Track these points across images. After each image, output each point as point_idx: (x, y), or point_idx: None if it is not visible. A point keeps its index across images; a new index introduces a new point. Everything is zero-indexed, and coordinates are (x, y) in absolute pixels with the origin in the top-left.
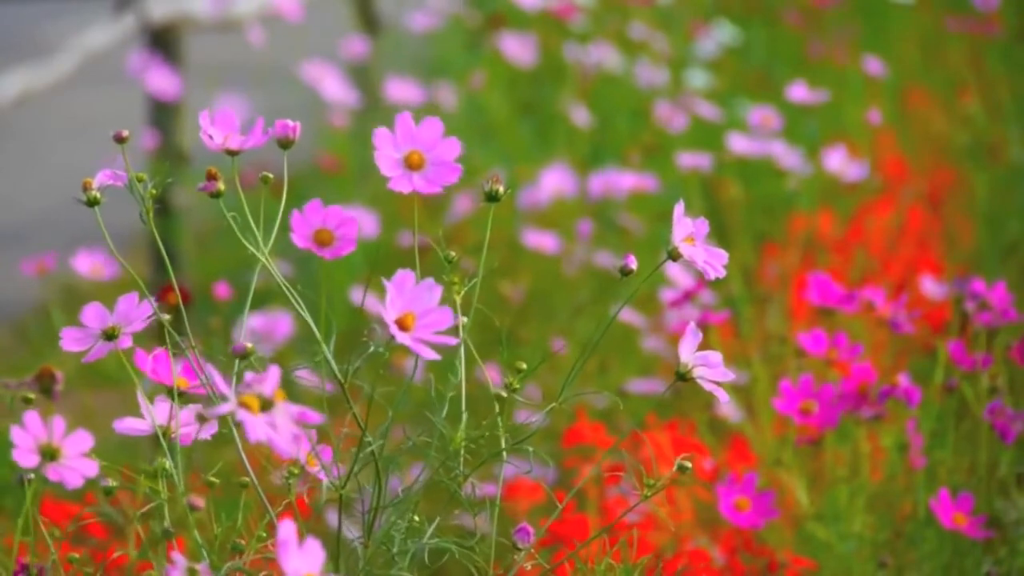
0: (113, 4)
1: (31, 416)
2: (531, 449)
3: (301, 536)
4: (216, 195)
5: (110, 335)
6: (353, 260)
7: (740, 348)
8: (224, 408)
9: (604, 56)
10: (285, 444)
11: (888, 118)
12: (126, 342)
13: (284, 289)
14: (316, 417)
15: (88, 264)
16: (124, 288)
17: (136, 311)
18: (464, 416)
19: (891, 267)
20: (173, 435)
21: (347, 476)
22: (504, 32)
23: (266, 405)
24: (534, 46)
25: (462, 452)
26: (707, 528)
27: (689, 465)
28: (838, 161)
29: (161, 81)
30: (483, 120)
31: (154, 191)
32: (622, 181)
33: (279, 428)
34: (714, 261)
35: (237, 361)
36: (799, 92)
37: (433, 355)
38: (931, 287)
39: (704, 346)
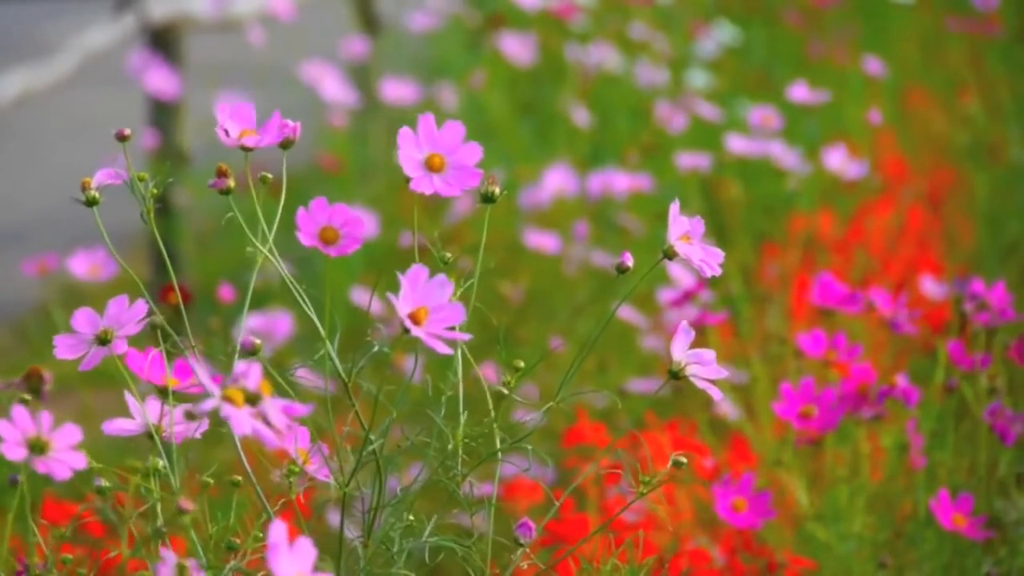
0: (113, 4)
1: (18, 410)
2: (529, 448)
3: (296, 535)
4: (226, 192)
5: (103, 340)
6: (352, 260)
7: (740, 348)
8: (209, 404)
9: (604, 56)
10: (271, 436)
11: (888, 118)
12: (120, 346)
13: (290, 286)
14: (302, 409)
15: (85, 265)
16: (124, 288)
17: (128, 313)
18: (463, 415)
19: (891, 267)
20: (165, 434)
21: (351, 474)
22: (504, 32)
23: (252, 399)
24: (534, 46)
25: (460, 451)
26: (707, 528)
27: (684, 461)
28: (838, 160)
29: (160, 81)
30: (483, 120)
31: (155, 191)
32: (622, 181)
33: (270, 421)
34: (710, 259)
35: (235, 360)
36: (799, 92)
37: (447, 350)
38: (931, 287)
39: (704, 346)
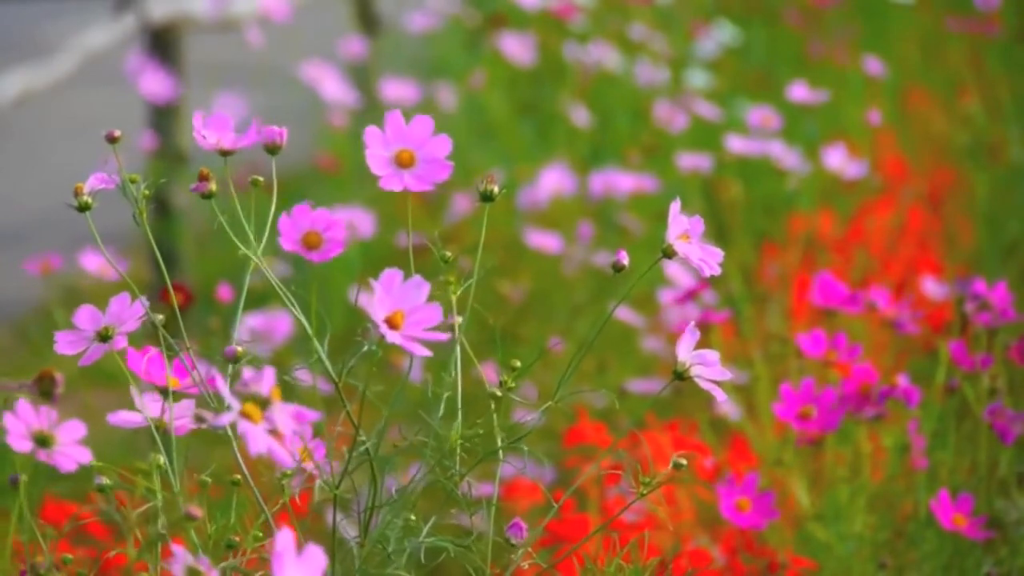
0: (113, 4)
1: (23, 404)
2: (526, 448)
3: (300, 541)
4: (208, 196)
5: (104, 336)
6: (352, 260)
7: (741, 348)
8: (226, 419)
9: (604, 56)
10: (285, 456)
11: (888, 118)
12: (121, 343)
13: (278, 289)
14: (312, 415)
15: (96, 263)
16: (126, 289)
17: (128, 311)
18: (460, 415)
19: (891, 267)
20: (167, 429)
21: (341, 475)
22: (504, 32)
23: (263, 404)
24: (534, 46)
25: (458, 451)
26: (708, 528)
27: (684, 463)
28: (838, 160)
29: (154, 84)
30: (483, 120)
31: (147, 192)
32: (622, 181)
33: (280, 427)
34: (709, 258)
35: (222, 365)
36: (799, 92)
37: (425, 352)
38: (932, 287)
39: (705, 345)
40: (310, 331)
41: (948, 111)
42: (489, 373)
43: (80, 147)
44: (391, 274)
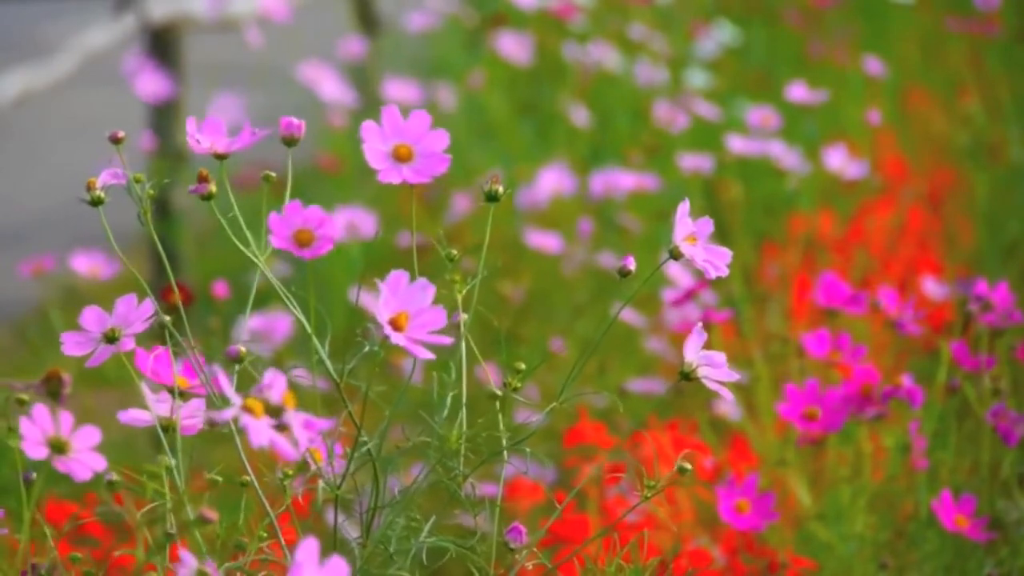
0: (113, 4)
1: (39, 409)
2: (528, 450)
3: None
4: (207, 197)
5: (111, 338)
6: (353, 260)
7: (741, 347)
8: (229, 413)
9: (604, 56)
10: (288, 448)
11: (888, 118)
12: (128, 344)
13: (279, 291)
14: (324, 423)
15: (87, 264)
16: (125, 288)
17: (135, 312)
18: (463, 415)
19: (891, 267)
20: (176, 429)
21: (343, 476)
22: (503, 32)
23: (275, 412)
24: (533, 46)
25: (462, 452)
26: (708, 528)
27: (689, 467)
28: (838, 160)
29: (152, 85)
30: (483, 120)
31: (152, 192)
32: (622, 181)
33: (293, 436)
34: (715, 260)
35: (225, 365)
36: (798, 92)
37: (428, 355)
38: (932, 287)
39: (706, 345)
40: (311, 331)
41: (948, 111)
42: (492, 373)
43: (80, 147)
44: (397, 275)
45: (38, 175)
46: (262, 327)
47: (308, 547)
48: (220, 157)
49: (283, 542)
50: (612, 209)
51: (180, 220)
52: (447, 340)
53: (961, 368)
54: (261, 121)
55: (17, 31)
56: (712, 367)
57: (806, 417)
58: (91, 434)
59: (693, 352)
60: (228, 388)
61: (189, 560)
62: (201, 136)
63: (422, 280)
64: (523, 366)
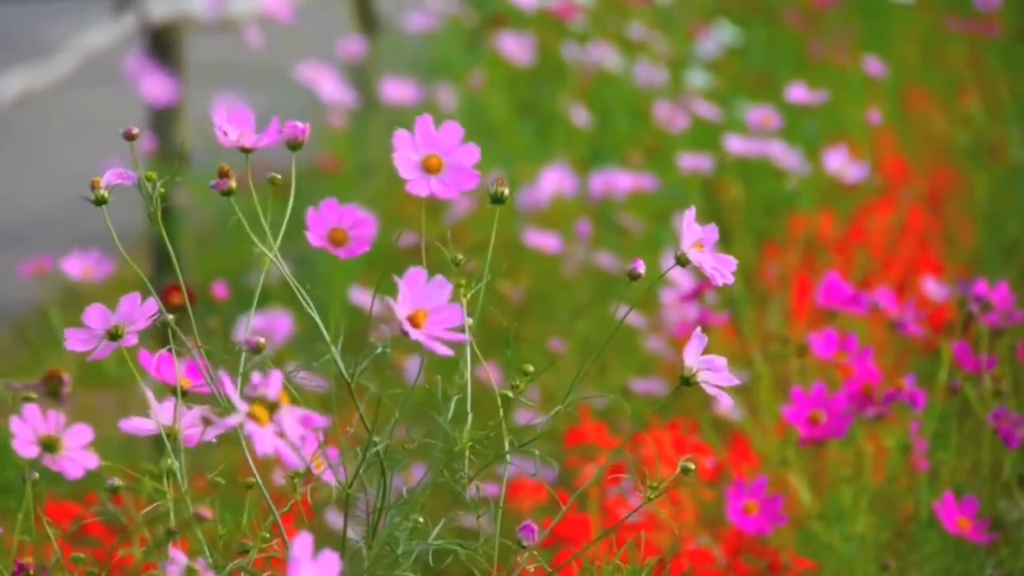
0: (113, 4)
1: (30, 408)
2: (536, 452)
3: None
4: (228, 192)
5: (114, 335)
6: (351, 261)
7: (741, 348)
8: (233, 420)
9: (604, 56)
10: (292, 456)
11: (888, 118)
12: (131, 341)
13: (293, 288)
14: (320, 420)
15: (79, 266)
16: (123, 288)
17: (139, 310)
18: (470, 417)
19: (891, 267)
20: (179, 436)
21: (353, 476)
22: (503, 32)
23: (271, 408)
24: (533, 46)
25: (467, 453)
26: (709, 528)
27: (692, 467)
28: (838, 161)
29: (155, 87)
30: (482, 120)
31: (163, 190)
32: (622, 181)
33: (286, 432)
34: (722, 267)
35: (243, 359)
36: (798, 93)
37: (447, 351)
38: (932, 288)
39: (706, 346)
40: (325, 332)
41: (948, 111)
42: (494, 374)
43: (80, 147)
44: (415, 272)
45: (38, 175)
46: (262, 327)
47: (304, 542)
48: (247, 151)
49: (288, 541)
50: (612, 209)
51: (180, 220)
52: (464, 337)
53: (962, 369)
54: (261, 122)
55: (17, 31)
56: (712, 371)
57: (811, 422)
58: (83, 432)
59: (693, 356)
60: (233, 393)
61: (179, 558)
62: (229, 127)
63: (439, 278)
64: (532, 368)
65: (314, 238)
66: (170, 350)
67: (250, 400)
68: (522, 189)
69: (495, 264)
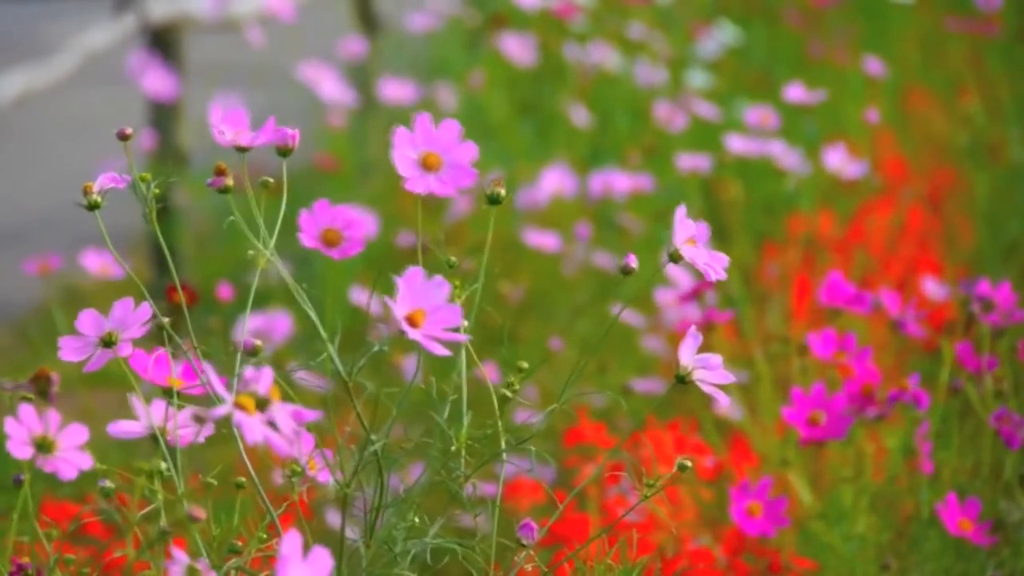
0: (113, 4)
1: (25, 409)
2: (533, 449)
3: (305, 544)
4: (225, 190)
5: (107, 342)
6: (351, 260)
7: (741, 347)
8: (221, 411)
9: (604, 56)
10: (283, 444)
11: (888, 118)
12: (125, 348)
13: (292, 288)
14: (311, 414)
15: (97, 263)
16: (126, 289)
17: (132, 315)
18: (466, 416)
19: (891, 267)
20: (170, 436)
21: (351, 475)
22: (503, 32)
23: (262, 404)
24: (534, 46)
25: (463, 452)
26: (709, 528)
27: (689, 464)
28: (838, 160)
29: (158, 82)
30: (483, 120)
31: (157, 191)
32: (621, 181)
33: (278, 427)
34: (715, 263)
35: (239, 360)
36: (796, 92)
37: (444, 351)
38: (932, 287)
39: (706, 345)
40: (323, 332)
41: (948, 111)
42: (490, 373)
43: (80, 147)
44: (414, 272)
45: (38, 175)
46: (262, 327)
47: (292, 540)
48: (242, 150)
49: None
50: (611, 209)
51: (180, 220)
52: (463, 337)
53: (964, 369)
54: (261, 121)
55: (17, 31)
56: (708, 370)
57: (811, 423)
58: (78, 433)
59: (688, 355)
60: (219, 386)
61: (181, 557)
62: (224, 127)
63: (438, 277)
64: (525, 365)
65: (307, 239)
66: (165, 351)
67: (238, 393)
68: (522, 189)
69: (493, 264)
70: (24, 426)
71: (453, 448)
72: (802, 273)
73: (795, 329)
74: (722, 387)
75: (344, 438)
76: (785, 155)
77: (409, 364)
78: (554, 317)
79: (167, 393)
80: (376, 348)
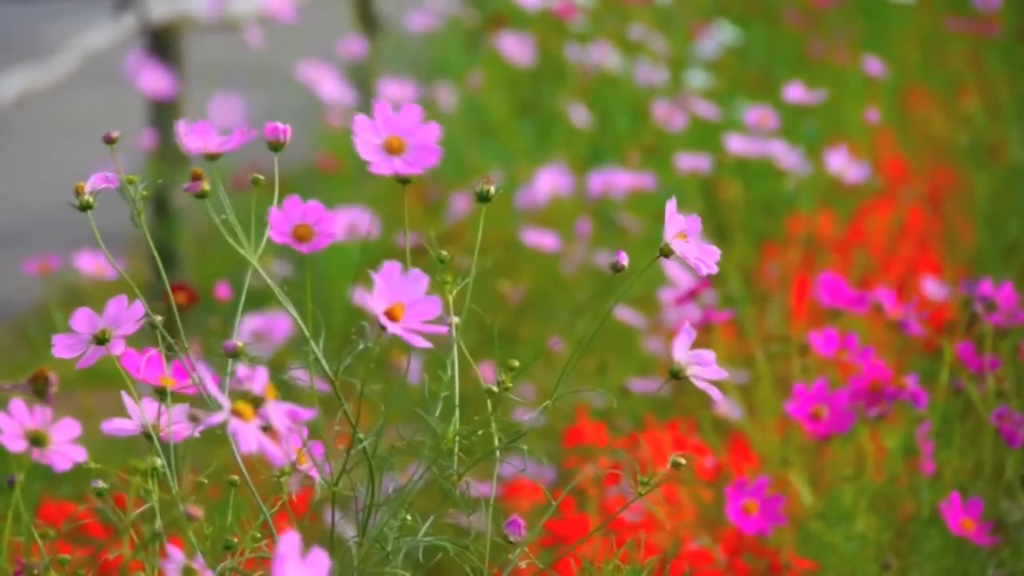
0: (113, 4)
1: (16, 404)
2: (525, 448)
3: (302, 543)
4: (201, 195)
5: (101, 339)
6: (353, 259)
7: (741, 348)
8: (217, 418)
9: (604, 56)
10: (278, 453)
11: (888, 118)
12: (118, 346)
13: (275, 291)
14: (307, 413)
15: (92, 264)
16: (126, 289)
17: (126, 313)
18: (456, 414)
19: (891, 267)
20: (163, 434)
21: (339, 473)
22: (503, 32)
23: (257, 403)
24: (533, 46)
25: (456, 450)
26: (709, 528)
27: (683, 462)
28: (839, 162)
29: (155, 81)
30: (482, 120)
31: (145, 193)
32: (620, 180)
33: (274, 425)
34: (706, 257)
35: (230, 361)
36: (796, 93)
37: (425, 344)
38: (932, 288)
39: (706, 345)
40: (306, 331)
41: (948, 111)
42: (487, 373)
43: (80, 147)
44: (390, 267)
45: (38, 175)
46: (262, 327)
47: (290, 540)
48: (212, 157)
49: (278, 540)
50: (611, 209)
51: (179, 219)
52: (443, 329)
53: (966, 369)
54: (261, 121)
55: (17, 31)
56: (701, 366)
57: (813, 417)
58: (70, 427)
59: (682, 351)
60: (216, 391)
61: (177, 556)
62: (191, 137)
63: (415, 271)
64: (517, 363)
65: (277, 235)
66: (157, 351)
67: (234, 396)
68: (521, 189)
69: (487, 262)
70: (16, 420)
71: (444, 446)
72: (802, 273)
73: (795, 329)
74: (718, 384)
75: (333, 437)
76: (785, 155)
77: (411, 364)
78: (554, 317)
79: (159, 393)
80: (362, 346)
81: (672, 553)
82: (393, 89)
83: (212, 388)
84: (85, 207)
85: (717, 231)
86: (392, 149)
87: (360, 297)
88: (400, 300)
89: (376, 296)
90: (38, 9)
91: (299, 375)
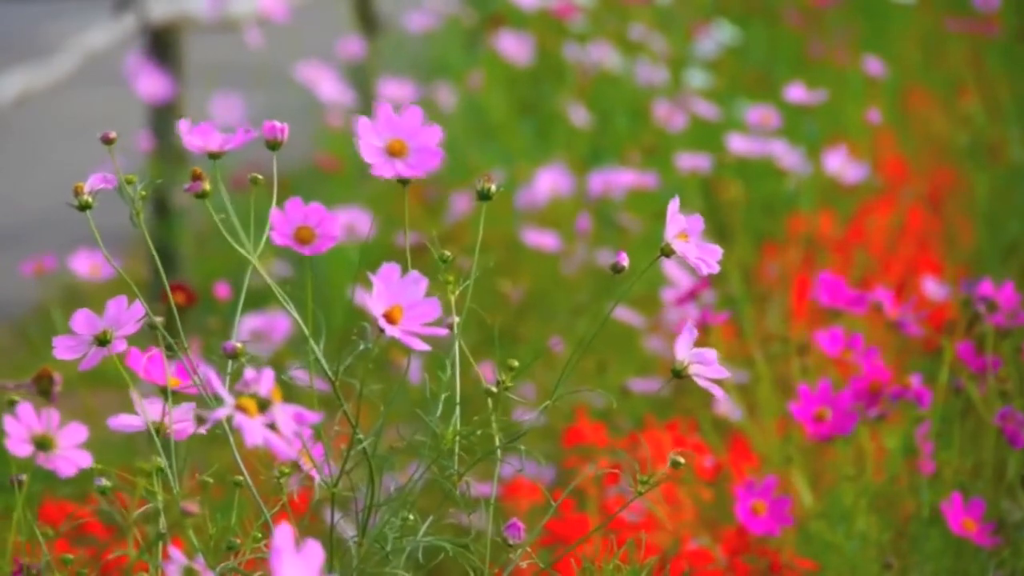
0: (113, 4)
1: (24, 407)
2: (523, 448)
3: (298, 539)
4: (202, 195)
5: (102, 340)
6: (353, 260)
7: (741, 347)
8: (222, 412)
9: (603, 56)
10: (283, 446)
11: (888, 118)
12: (120, 346)
13: (275, 290)
14: (313, 416)
15: (87, 264)
16: (125, 288)
17: (127, 314)
18: (456, 414)
19: (891, 267)
20: (167, 432)
21: (339, 474)
22: (503, 32)
23: (263, 405)
24: (533, 46)
25: (456, 450)
26: (709, 528)
27: (682, 461)
28: (838, 162)
29: (152, 85)
30: (482, 120)
31: (143, 193)
32: (620, 179)
33: (280, 428)
34: (707, 257)
35: (230, 361)
36: (796, 93)
37: (423, 346)
38: (932, 288)
39: (705, 346)
40: (306, 331)
41: (948, 111)
42: (487, 373)
43: (80, 147)
44: (389, 268)
45: (38, 175)
46: (262, 326)
47: (284, 532)
48: (214, 156)
49: None
50: (611, 208)
51: (180, 219)
52: (442, 331)
53: (967, 369)
54: (261, 121)
55: (17, 31)
56: (704, 364)
57: (817, 419)
58: (77, 431)
59: (684, 350)
60: (220, 387)
61: (178, 557)
62: (193, 137)
63: (414, 273)
64: (517, 363)
65: (279, 237)
66: (159, 351)
67: (239, 395)
68: (521, 189)
69: (488, 262)
70: (23, 424)
71: (443, 446)
72: (802, 273)
73: (795, 329)
74: (718, 383)
75: (333, 437)
76: (785, 155)
77: (412, 364)
78: (554, 317)
79: (163, 392)
80: (362, 347)
81: (672, 553)
82: (392, 89)
83: (216, 384)
84: (84, 207)
85: (717, 231)
86: (394, 152)
87: (360, 297)
88: (399, 302)
89: (375, 298)
90: (38, 9)
91: (299, 375)
